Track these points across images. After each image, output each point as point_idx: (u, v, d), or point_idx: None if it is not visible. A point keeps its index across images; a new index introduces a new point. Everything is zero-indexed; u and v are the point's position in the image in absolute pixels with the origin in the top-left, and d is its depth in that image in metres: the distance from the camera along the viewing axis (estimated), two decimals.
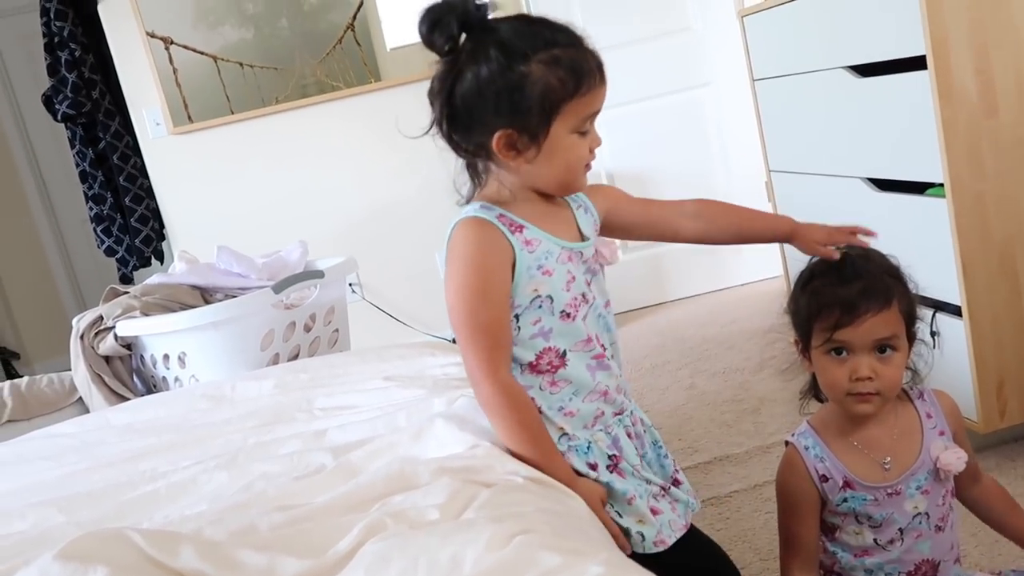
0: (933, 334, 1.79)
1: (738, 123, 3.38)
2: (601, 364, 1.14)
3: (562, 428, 1.13)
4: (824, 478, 1.16)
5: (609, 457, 1.14)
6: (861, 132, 1.97)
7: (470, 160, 1.12)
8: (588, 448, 1.13)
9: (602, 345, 1.15)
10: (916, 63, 1.70)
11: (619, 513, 1.13)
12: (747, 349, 2.85)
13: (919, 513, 1.15)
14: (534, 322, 1.10)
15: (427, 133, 1.12)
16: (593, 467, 1.13)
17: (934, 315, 1.78)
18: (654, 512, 1.14)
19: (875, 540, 1.15)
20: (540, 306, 1.10)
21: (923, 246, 1.78)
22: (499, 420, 1.08)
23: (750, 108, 2.57)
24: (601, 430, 1.14)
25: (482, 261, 1.07)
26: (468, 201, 1.14)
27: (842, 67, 1.98)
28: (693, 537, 1.21)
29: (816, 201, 2.25)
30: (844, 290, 1.09)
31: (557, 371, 1.11)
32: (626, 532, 1.12)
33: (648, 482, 1.16)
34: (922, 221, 1.79)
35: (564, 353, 1.12)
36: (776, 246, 2.64)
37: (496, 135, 1.05)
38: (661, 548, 1.13)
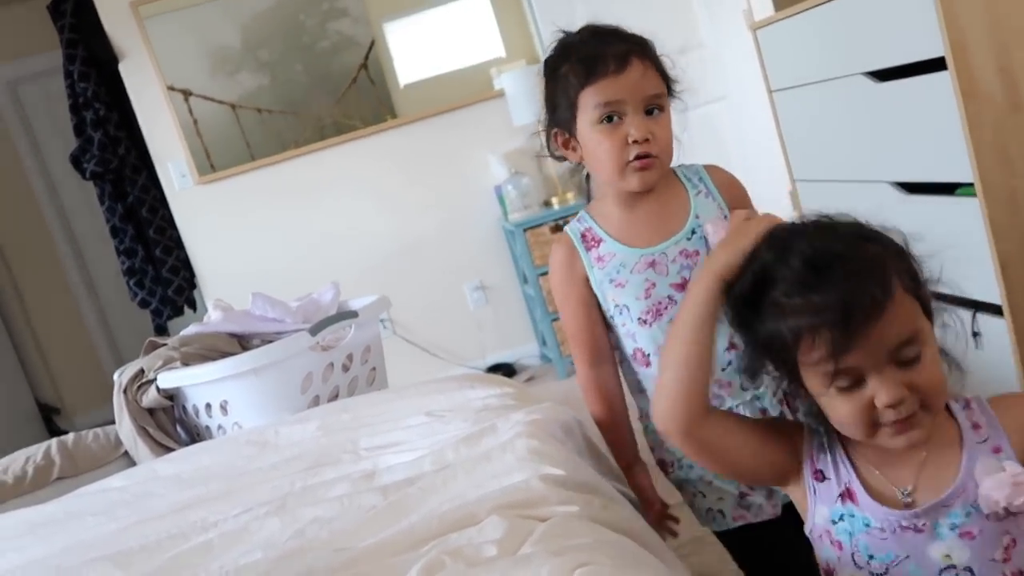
0: (975, 334, 1.76)
1: (757, 135, 3.38)
2: None
3: None
4: (819, 474, 0.88)
5: None
6: (884, 137, 1.96)
7: (564, 161, 1.24)
8: None
9: None
10: (935, 65, 1.69)
11: (702, 494, 1.21)
12: None
13: (952, 566, 0.80)
14: (622, 325, 1.22)
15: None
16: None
17: (974, 316, 1.76)
18: (744, 495, 1.20)
19: None
20: (621, 313, 1.20)
21: (958, 246, 1.75)
22: (586, 402, 1.26)
23: (768, 120, 2.56)
24: None
25: (558, 274, 1.23)
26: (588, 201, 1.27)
27: (860, 73, 1.97)
28: (783, 531, 1.18)
29: (844, 208, 2.24)
30: (823, 297, 0.77)
31: (647, 369, 1.21)
32: (707, 512, 1.21)
33: None
34: (955, 222, 1.78)
35: (649, 356, 1.21)
36: None
37: (552, 133, 1.20)
38: (742, 522, 1.19)
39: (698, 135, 4.12)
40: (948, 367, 0.85)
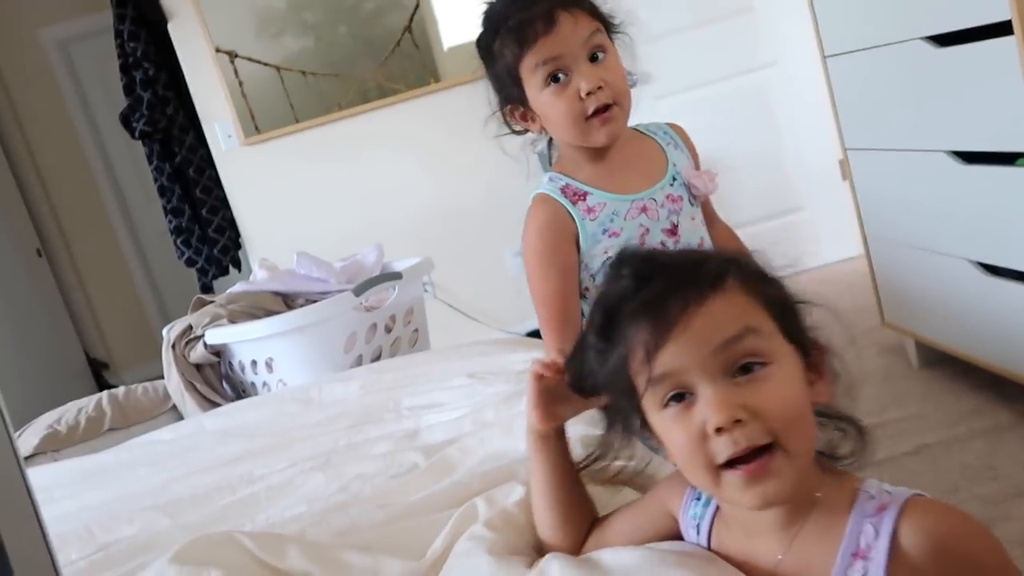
0: None
1: (807, 102, 3.30)
2: None
3: None
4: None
5: None
6: (943, 104, 1.91)
7: (522, 135, 1.20)
8: None
9: None
10: (1000, 29, 1.63)
11: None
12: (832, 330, 2.79)
13: None
14: None
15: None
16: None
17: None
18: None
19: None
20: None
21: (1017, 218, 1.71)
22: None
23: (819, 86, 2.50)
24: None
25: (543, 237, 1.17)
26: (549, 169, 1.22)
27: (919, 38, 1.91)
28: None
29: (897, 178, 2.19)
30: (647, 292, 0.68)
31: None
32: None
33: None
34: (1014, 192, 1.72)
35: None
36: (855, 223, 2.57)
37: (507, 110, 1.17)
38: None
39: (746, 102, 4.04)
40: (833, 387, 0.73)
